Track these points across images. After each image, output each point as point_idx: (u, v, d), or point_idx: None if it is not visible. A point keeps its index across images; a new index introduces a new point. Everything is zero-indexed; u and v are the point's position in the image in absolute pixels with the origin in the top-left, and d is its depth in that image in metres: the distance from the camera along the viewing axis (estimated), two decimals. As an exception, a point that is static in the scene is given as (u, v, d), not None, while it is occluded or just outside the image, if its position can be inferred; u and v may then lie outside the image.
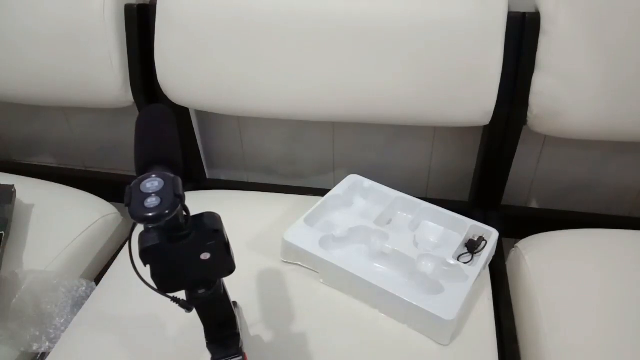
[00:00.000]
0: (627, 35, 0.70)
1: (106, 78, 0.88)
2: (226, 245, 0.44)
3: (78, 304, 0.73)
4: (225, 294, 0.49)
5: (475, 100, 0.78)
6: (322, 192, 0.82)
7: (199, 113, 1.09)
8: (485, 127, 0.85)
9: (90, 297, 0.73)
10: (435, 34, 0.74)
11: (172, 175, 0.39)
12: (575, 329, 0.65)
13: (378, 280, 0.66)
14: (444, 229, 0.80)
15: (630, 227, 0.79)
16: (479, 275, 0.70)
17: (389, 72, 0.78)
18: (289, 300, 0.69)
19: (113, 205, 0.93)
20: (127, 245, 0.43)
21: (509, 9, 0.74)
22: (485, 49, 0.75)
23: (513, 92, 0.78)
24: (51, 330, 0.70)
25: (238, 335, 0.51)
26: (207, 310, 0.49)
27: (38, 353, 0.70)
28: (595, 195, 1.03)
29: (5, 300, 0.70)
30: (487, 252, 0.73)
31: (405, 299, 0.63)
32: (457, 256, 0.73)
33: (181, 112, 0.95)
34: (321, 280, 0.72)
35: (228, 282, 0.49)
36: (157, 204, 0.36)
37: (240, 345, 0.51)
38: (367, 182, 0.85)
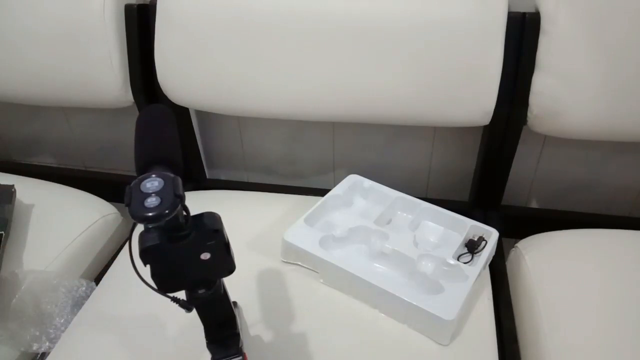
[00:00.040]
0: (627, 35, 0.70)
1: (106, 78, 0.88)
2: (226, 245, 0.44)
3: (78, 304, 0.73)
4: (225, 294, 0.49)
5: (475, 100, 0.78)
6: (322, 192, 0.82)
7: (199, 113, 1.09)
8: (485, 127, 0.85)
9: (90, 297, 0.73)
10: (435, 34, 0.74)
11: (172, 175, 0.39)
12: (575, 329, 0.65)
13: (378, 280, 0.66)
14: (444, 229, 0.80)
15: (630, 227, 0.79)
16: (479, 275, 0.70)
17: (389, 72, 0.78)
18: (289, 300, 0.69)
19: (113, 205, 0.93)
20: (127, 245, 0.43)
21: (509, 9, 0.74)
22: (485, 49, 0.75)
23: (513, 92, 0.78)
24: (51, 330, 0.70)
25: (238, 335, 0.51)
26: (207, 310, 0.49)
27: (38, 353, 0.70)
28: (595, 195, 1.03)
29: (5, 300, 0.70)
30: (487, 252, 0.73)
31: (405, 299, 0.63)
32: (457, 256, 0.73)
33: (181, 112, 0.95)
34: (321, 280, 0.72)
35: (228, 282, 0.49)
36: (157, 204, 0.36)
37: (240, 345, 0.51)
38: (367, 182, 0.85)
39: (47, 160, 1.29)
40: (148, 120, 0.47)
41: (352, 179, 0.86)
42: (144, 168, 0.41)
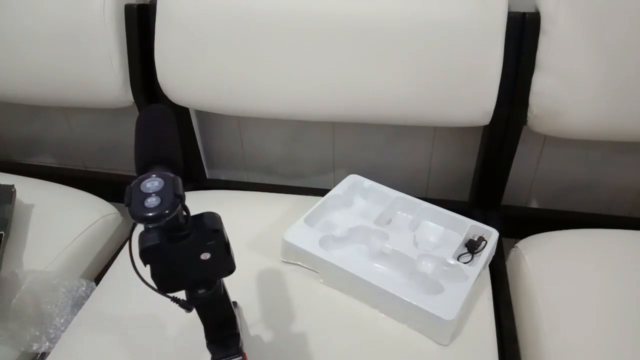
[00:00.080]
0: (627, 35, 0.70)
1: (106, 78, 0.88)
2: (226, 245, 0.44)
3: (78, 304, 0.73)
4: (225, 294, 0.49)
5: (475, 100, 0.78)
6: (322, 192, 0.82)
7: (199, 113, 1.09)
8: (485, 127, 0.85)
9: (90, 297, 0.73)
10: (435, 34, 0.74)
11: (172, 175, 0.39)
12: (575, 329, 0.65)
13: (378, 280, 0.66)
14: (444, 229, 0.80)
15: (630, 227, 0.79)
16: (479, 275, 0.70)
17: (389, 72, 0.78)
18: (289, 300, 0.69)
19: (113, 205, 0.93)
20: (127, 245, 0.43)
21: (509, 9, 0.74)
22: (485, 49, 0.75)
23: (513, 92, 0.78)
24: (51, 330, 0.70)
25: (238, 335, 0.51)
26: (207, 310, 0.49)
27: (38, 353, 0.70)
28: (595, 195, 1.03)
29: (5, 300, 0.70)
30: (487, 252, 0.73)
31: (405, 299, 0.63)
32: (457, 256, 0.73)
33: (181, 112, 0.95)
34: (321, 280, 0.72)
35: (228, 282, 0.49)
36: (157, 204, 0.36)
37: (240, 345, 0.51)
38: (367, 182, 0.85)
39: (47, 160, 1.29)
40: (148, 120, 0.47)
41: (352, 179, 0.86)
42: (144, 168, 0.41)
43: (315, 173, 1.15)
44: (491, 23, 0.74)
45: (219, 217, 0.43)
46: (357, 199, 0.86)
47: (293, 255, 0.73)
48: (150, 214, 0.36)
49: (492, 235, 0.76)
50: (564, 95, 0.75)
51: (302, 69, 0.80)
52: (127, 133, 1.18)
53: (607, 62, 0.72)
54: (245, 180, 1.21)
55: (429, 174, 1.09)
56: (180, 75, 0.85)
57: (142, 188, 0.38)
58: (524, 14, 0.75)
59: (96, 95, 0.91)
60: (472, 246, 0.75)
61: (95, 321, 0.69)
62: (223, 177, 1.21)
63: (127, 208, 0.36)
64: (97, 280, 0.77)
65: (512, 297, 0.76)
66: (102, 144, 1.22)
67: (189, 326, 0.63)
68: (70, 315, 0.71)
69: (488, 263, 0.75)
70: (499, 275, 0.79)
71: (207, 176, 1.15)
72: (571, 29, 0.72)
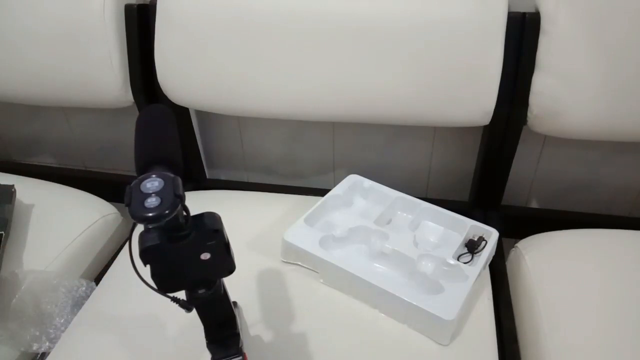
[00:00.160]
0: (627, 35, 0.70)
1: (106, 78, 0.88)
2: (226, 245, 0.44)
3: (78, 304, 0.73)
4: (225, 294, 0.49)
5: (475, 100, 0.78)
6: (322, 192, 0.82)
7: (199, 113, 1.09)
8: (485, 127, 0.85)
9: (90, 297, 0.73)
10: (435, 34, 0.74)
11: (172, 175, 0.39)
12: (575, 329, 0.65)
13: (378, 280, 0.66)
14: (444, 229, 0.80)
15: (630, 227, 0.79)
16: (479, 275, 0.70)
17: (389, 72, 0.78)
18: (289, 300, 0.69)
19: (113, 205, 0.93)
20: (127, 245, 0.43)
21: (509, 9, 0.74)
22: (485, 49, 0.75)
23: (513, 92, 0.78)
24: (51, 330, 0.70)
25: (238, 335, 0.51)
26: (207, 310, 0.49)
27: (38, 353, 0.70)
28: (595, 195, 1.03)
29: (5, 300, 0.70)
30: (487, 252, 0.73)
31: (405, 299, 0.63)
32: (457, 256, 0.73)
33: (181, 112, 0.95)
34: (321, 280, 0.72)
35: (228, 282, 0.49)
36: (157, 204, 0.36)
37: (240, 345, 0.51)
38: (367, 182, 0.85)
39: (47, 160, 1.29)
40: (148, 120, 0.47)
41: (352, 179, 0.86)
42: (144, 168, 0.41)
43: (315, 173, 1.15)
44: (491, 23, 0.74)
45: (219, 217, 0.43)
46: (357, 199, 0.86)
47: (293, 255, 0.73)
48: (150, 214, 0.36)
49: (492, 235, 0.76)
50: (564, 95, 0.75)
51: (302, 69, 0.80)
52: (127, 133, 1.18)
53: (607, 62, 0.72)
54: (245, 180, 1.21)
55: (429, 174, 1.09)
56: (180, 75, 0.85)
57: (142, 188, 0.38)
58: (524, 14, 0.75)
59: (96, 95, 0.91)
60: (472, 246, 0.75)
61: (95, 321, 0.69)
62: (223, 177, 1.21)
63: (127, 208, 0.36)
64: (97, 280, 0.77)
65: (512, 297, 0.76)
66: (102, 144, 1.22)
67: (189, 326, 0.63)
68: (70, 315, 0.71)
69: (488, 263, 0.75)
70: (499, 275, 0.79)
71: (207, 176, 1.15)
72: (571, 29, 0.72)
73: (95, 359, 0.63)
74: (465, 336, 0.64)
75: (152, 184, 0.38)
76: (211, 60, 0.82)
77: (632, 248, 0.75)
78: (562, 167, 1.01)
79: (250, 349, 0.59)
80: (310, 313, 0.67)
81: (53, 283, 0.73)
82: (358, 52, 0.77)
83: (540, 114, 0.78)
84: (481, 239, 0.76)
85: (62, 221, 0.85)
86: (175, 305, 0.47)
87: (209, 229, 0.42)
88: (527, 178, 1.04)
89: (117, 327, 0.66)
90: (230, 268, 0.45)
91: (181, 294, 0.46)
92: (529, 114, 0.80)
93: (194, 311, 0.48)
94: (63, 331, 0.69)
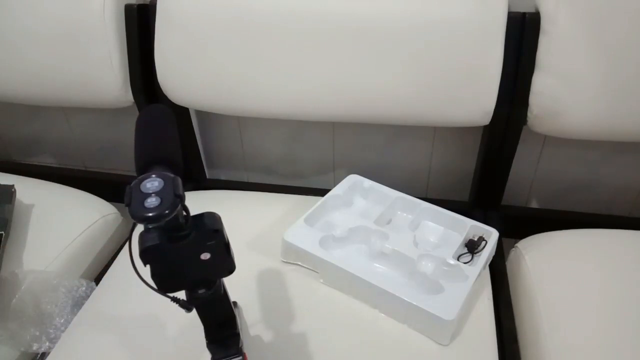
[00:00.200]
0: (627, 35, 0.70)
1: (106, 78, 0.88)
2: (226, 245, 0.44)
3: (78, 304, 0.73)
4: (225, 294, 0.49)
5: (475, 100, 0.78)
6: (322, 192, 0.82)
7: (199, 113, 1.09)
8: (485, 127, 0.85)
9: (90, 297, 0.73)
10: (435, 34, 0.74)
11: (172, 175, 0.39)
12: (575, 329, 0.65)
13: (378, 280, 0.66)
14: (444, 229, 0.80)
15: (630, 227, 0.79)
16: (479, 275, 0.70)
17: (389, 72, 0.78)
18: (289, 300, 0.69)
19: (113, 205, 0.93)
20: (127, 245, 0.43)
21: (509, 9, 0.74)
22: (485, 49, 0.75)
23: (513, 92, 0.78)
24: (51, 330, 0.70)
25: (238, 335, 0.51)
26: (207, 310, 0.49)
27: (38, 353, 0.70)
28: (595, 195, 1.03)
29: (5, 300, 0.70)
30: (487, 252, 0.73)
31: (405, 299, 0.63)
32: (457, 256, 0.73)
33: (181, 112, 0.95)
34: (321, 280, 0.72)
35: (228, 282, 0.49)
36: (157, 204, 0.36)
37: (240, 345, 0.51)
38: (367, 182, 0.85)
39: (47, 160, 1.29)
40: (148, 120, 0.47)
41: (352, 179, 0.86)
42: (144, 168, 0.41)
43: (315, 173, 1.15)
44: (491, 23, 0.74)
45: (219, 217, 0.43)
46: (357, 199, 0.86)
47: (293, 255, 0.73)
48: (150, 214, 0.36)
49: (492, 235, 0.76)
50: (564, 95, 0.75)
51: (302, 69, 0.80)
52: (127, 133, 1.18)
53: (607, 62, 0.72)
54: (245, 180, 1.21)
55: (429, 174, 1.09)
56: (180, 75, 0.85)
57: (142, 188, 0.38)
58: (524, 14, 0.75)
59: (96, 95, 0.91)
60: (472, 246, 0.75)
61: (95, 321, 0.69)
62: (223, 177, 1.21)
63: (127, 208, 0.36)
64: (97, 280, 0.77)
65: (512, 297, 0.76)
66: (102, 144, 1.22)
67: (189, 326, 0.63)
68: (70, 315, 0.71)
69: (488, 263, 0.75)
70: (499, 275, 0.79)
71: (207, 176, 1.15)
72: (571, 29, 0.72)
73: (95, 359, 0.63)
74: (465, 336, 0.64)
75: (152, 184, 0.38)
76: (211, 60, 0.82)
77: (632, 248, 0.75)
78: (562, 167, 1.01)
79: (250, 349, 0.59)
80: (310, 313, 0.67)
81: (53, 283, 0.73)
82: (358, 52, 0.77)
83: (540, 114, 0.78)
84: (481, 239, 0.76)
85: (62, 221, 0.85)
86: (175, 305, 0.47)
87: (209, 229, 0.42)
88: (527, 178, 1.04)
89: (117, 327, 0.66)
90: (230, 268, 0.45)
91: (181, 294, 0.46)
92: (529, 114, 0.80)
93: (194, 311, 0.48)
94: (63, 331, 0.69)
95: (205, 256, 0.43)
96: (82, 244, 0.82)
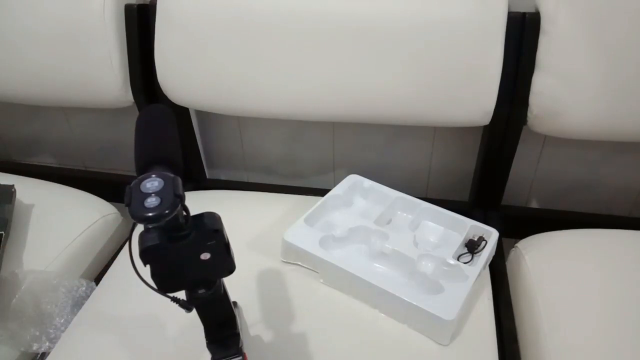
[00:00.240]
0: (627, 35, 0.70)
1: (106, 78, 0.88)
2: (226, 245, 0.44)
3: (78, 304, 0.73)
4: (225, 294, 0.49)
5: (475, 100, 0.78)
6: (322, 192, 0.82)
7: (199, 113, 1.09)
8: (485, 127, 0.85)
9: (90, 297, 0.73)
10: (435, 34, 0.74)
11: (172, 175, 0.39)
12: (575, 329, 0.65)
13: (378, 280, 0.66)
14: (444, 229, 0.80)
15: (630, 227, 0.79)
16: (479, 275, 0.70)
17: (389, 72, 0.78)
18: (289, 300, 0.69)
19: (113, 205, 0.93)
20: (127, 245, 0.43)
21: (509, 9, 0.74)
22: (485, 49, 0.75)
23: (513, 92, 0.78)
24: (51, 330, 0.70)
25: (238, 335, 0.51)
26: (207, 310, 0.49)
27: (38, 353, 0.70)
28: (595, 195, 1.03)
29: (5, 300, 0.70)
30: (487, 252, 0.73)
31: (405, 299, 0.63)
32: (457, 256, 0.73)
33: (181, 112, 0.95)
34: (321, 280, 0.72)
35: (228, 282, 0.49)
36: (157, 204, 0.36)
37: (240, 345, 0.51)
38: (367, 182, 0.85)
39: (47, 160, 1.29)
40: (148, 120, 0.47)
41: (352, 179, 0.86)
42: (144, 168, 0.41)
43: (315, 173, 1.15)
44: (491, 23, 0.74)
45: (219, 217, 0.43)
46: (357, 199, 0.86)
47: (293, 255, 0.73)
48: (150, 214, 0.36)
49: (492, 235, 0.76)
50: (564, 95, 0.75)
51: (302, 69, 0.80)
52: (127, 133, 1.18)
53: (607, 62, 0.72)
54: (245, 180, 1.21)
55: (429, 174, 1.09)
56: (180, 75, 0.85)
57: (142, 188, 0.38)
58: (524, 14, 0.75)
59: (96, 95, 0.91)
60: (472, 246, 0.75)
61: (95, 321, 0.69)
62: (223, 177, 1.21)
63: (127, 208, 0.36)
64: (97, 280, 0.77)
65: (512, 297, 0.76)
66: (102, 144, 1.22)
67: (189, 326, 0.63)
68: (70, 315, 0.71)
69: (488, 263, 0.75)
70: (499, 275, 0.79)
71: (207, 176, 1.15)
72: (571, 29, 0.72)
73: (95, 359, 0.63)
74: (465, 336, 0.64)
75: (152, 184, 0.38)
76: (211, 60, 0.82)
77: (632, 248, 0.75)
78: (562, 167, 1.01)
79: (250, 349, 0.59)
80: (310, 313, 0.67)
81: (53, 283, 0.73)
82: (358, 52, 0.77)
83: (540, 114, 0.78)
84: (481, 239, 0.76)
85: (62, 221, 0.85)
86: (175, 305, 0.47)
87: (209, 229, 0.42)
88: (527, 178, 1.04)
89: (117, 327, 0.66)
90: (230, 268, 0.45)
91: (181, 294, 0.46)
92: (529, 114, 0.80)
93: (194, 311, 0.48)
94: (63, 331, 0.69)
95: (205, 256, 0.43)
96: (82, 244, 0.82)
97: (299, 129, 1.08)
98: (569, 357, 0.62)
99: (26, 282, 0.72)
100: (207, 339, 0.51)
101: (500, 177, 0.90)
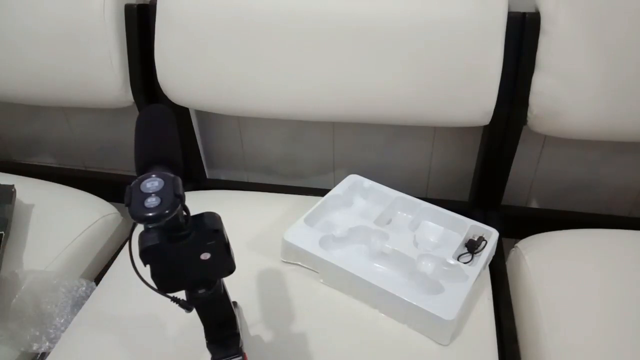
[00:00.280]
0: (627, 35, 0.70)
1: (106, 78, 0.88)
2: (226, 245, 0.44)
3: (78, 304, 0.73)
4: (225, 294, 0.49)
5: (475, 100, 0.78)
6: (322, 192, 0.82)
7: (199, 113, 1.09)
8: (485, 127, 0.85)
9: (90, 297, 0.73)
10: (435, 34, 0.74)
11: (172, 175, 0.39)
12: (575, 329, 0.65)
13: (378, 280, 0.66)
14: (444, 229, 0.80)
15: (630, 227, 0.79)
16: (479, 275, 0.70)
17: (389, 72, 0.78)
18: (289, 300, 0.69)
19: (113, 205, 0.93)
20: (127, 245, 0.43)
21: (509, 9, 0.74)
22: (485, 49, 0.75)
23: (513, 92, 0.78)
24: (51, 330, 0.70)
25: (238, 335, 0.51)
26: (207, 310, 0.49)
27: (38, 353, 0.70)
28: (595, 195, 1.03)
29: (5, 300, 0.70)
30: (487, 252, 0.73)
31: (405, 299, 0.63)
32: (457, 256, 0.73)
33: (181, 112, 0.95)
34: (321, 280, 0.72)
35: (228, 282, 0.49)
36: (157, 204, 0.36)
37: (240, 345, 0.51)
38: (367, 182, 0.85)
39: (47, 160, 1.29)
40: (148, 120, 0.47)
41: (352, 179, 0.86)
42: (144, 168, 0.41)
43: (315, 173, 1.15)
44: (491, 23, 0.74)
45: (219, 217, 0.43)
46: (357, 199, 0.86)
47: (293, 255, 0.73)
48: (150, 214, 0.36)
49: (492, 235, 0.76)
50: (564, 95, 0.75)
51: (302, 69, 0.80)
52: (127, 133, 1.18)
53: (607, 62, 0.72)
54: (245, 180, 1.21)
55: (429, 174, 1.09)
56: (180, 75, 0.85)
57: (142, 188, 0.38)
58: (524, 14, 0.75)
59: (96, 95, 0.91)
60: (472, 246, 0.75)
61: (95, 321, 0.69)
62: (223, 177, 1.21)
63: (127, 208, 0.36)
64: (97, 280, 0.77)
65: (512, 297, 0.76)
66: (102, 144, 1.22)
67: (189, 326, 0.63)
68: (70, 315, 0.71)
69: (488, 263, 0.75)
70: (499, 275, 0.79)
71: (207, 176, 1.15)
72: (571, 29, 0.72)
73: (95, 359, 0.63)
74: (465, 336, 0.64)
75: (152, 184, 0.38)
76: (211, 60, 0.82)
77: (632, 248, 0.75)
78: (562, 167, 1.01)
79: (250, 349, 0.59)
80: (310, 313, 0.67)
81: (53, 283, 0.73)
82: (358, 52, 0.77)
83: (540, 114, 0.78)
84: (481, 239, 0.76)
85: (62, 221, 0.85)
86: (175, 305, 0.47)
87: (209, 229, 0.42)
88: (527, 178, 1.04)
89: (117, 327, 0.66)
90: (230, 268, 0.45)
91: (181, 294, 0.46)
92: (529, 114, 0.80)
93: (194, 311, 0.48)
94: (63, 331, 0.69)
95: (205, 256, 0.43)
96: (82, 244, 0.82)
97: (299, 129, 1.08)
98: (569, 357, 0.62)
99: (26, 282, 0.72)
100: (207, 339, 0.51)
101: (500, 177, 0.90)
